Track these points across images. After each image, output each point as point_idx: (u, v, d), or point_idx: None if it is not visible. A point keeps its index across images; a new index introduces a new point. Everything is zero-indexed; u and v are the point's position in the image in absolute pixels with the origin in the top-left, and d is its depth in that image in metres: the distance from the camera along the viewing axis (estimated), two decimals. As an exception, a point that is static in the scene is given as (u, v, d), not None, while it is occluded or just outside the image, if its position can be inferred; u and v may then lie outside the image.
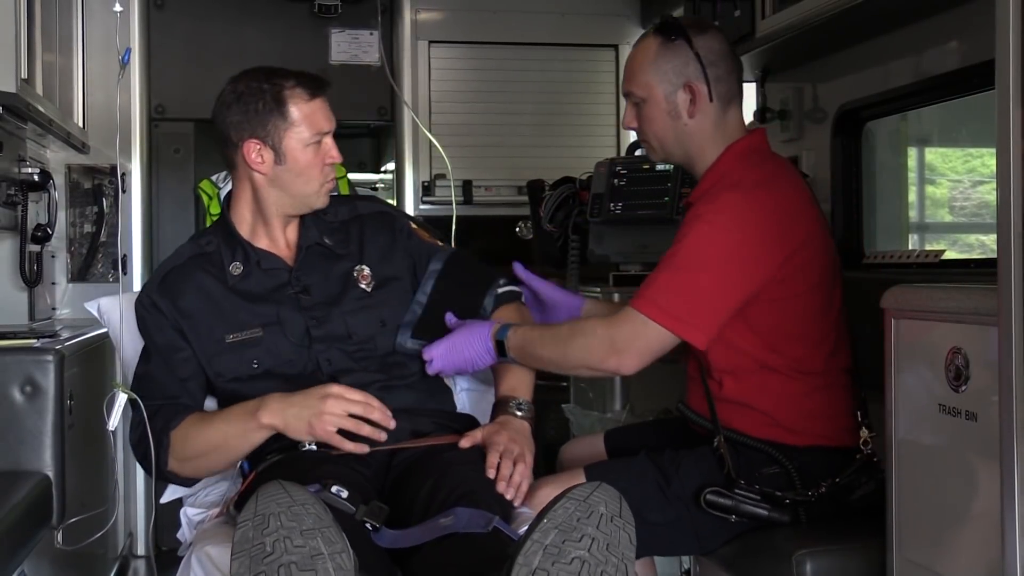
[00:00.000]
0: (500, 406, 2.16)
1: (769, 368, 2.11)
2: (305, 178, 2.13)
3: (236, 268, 2.17)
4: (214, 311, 2.14)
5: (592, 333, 2.08)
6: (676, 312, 2.01)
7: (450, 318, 2.21)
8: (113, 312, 2.41)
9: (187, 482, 2.17)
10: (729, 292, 2.03)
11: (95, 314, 2.47)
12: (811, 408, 2.12)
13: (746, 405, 2.12)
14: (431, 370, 2.17)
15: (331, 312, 2.16)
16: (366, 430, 1.98)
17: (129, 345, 2.40)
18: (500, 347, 2.15)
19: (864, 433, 2.09)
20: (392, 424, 2.00)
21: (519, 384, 2.19)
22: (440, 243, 2.37)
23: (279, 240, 2.20)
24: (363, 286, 2.21)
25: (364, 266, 2.22)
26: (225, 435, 2.03)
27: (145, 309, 2.17)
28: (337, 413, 1.96)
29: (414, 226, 2.35)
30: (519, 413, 2.13)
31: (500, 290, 2.31)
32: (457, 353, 2.16)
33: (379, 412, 1.98)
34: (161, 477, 2.12)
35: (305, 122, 2.10)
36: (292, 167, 2.11)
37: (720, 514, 2.05)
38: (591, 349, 2.07)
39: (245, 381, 2.12)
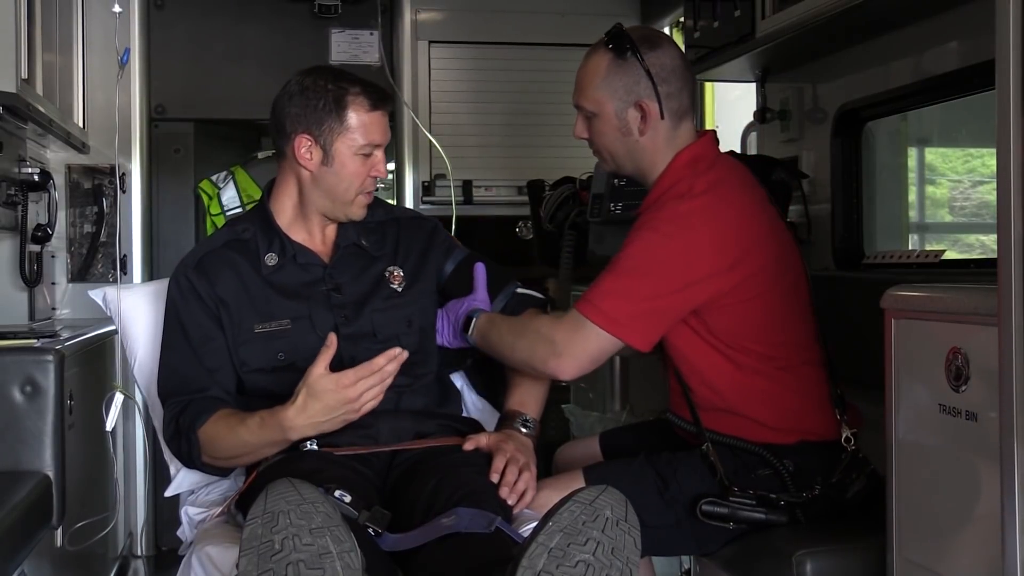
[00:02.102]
0: (507, 420, 2.16)
1: (741, 368, 2.11)
2: (346, 185, 2.14)
3: (271, 259, 2.17)
4: (246, 299, 2.15)
5: (537, 333, 2.09)
6: (615, 316, 2.02)
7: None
8: (118, 302, 2.42)
9: (224, 473, 2.18)
10: (671, 299, 2.04)
11: (99, 302, 2.48)
12: (791, 405, 2.12)
13: (729, 411, 2.12)
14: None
15: (360, 311, 2.17)
16: (388, 381, 1.94)
17: (132, 336, 2.40)
18: (467, 328, 2.19)
19: (845, 429, 2.09)
20: (404, 355, 1.94)
21: (529, 399, 2.19)
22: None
23: (316, 236, 2.22)
24: (394, 286, 2.22)
25: (397, 267, 2.24)
26: (252, 446, 2.03)
27: (181, 293, 2.16)
28: (366, 400, 1.93)
29: (449, 235, 2.39)
30: (524, 430, 2.13)
31: (519, 290, 2.32)
32: (442, 324, 2.25)
33: (394, 364, 1.92)
34: (199, 470, 2.14)
35: (360, 130, 2.11)
36: (338, 171, 2.12)
37: (718, 523, 2.06)
38: (534, 350, 2.08)
39: (268, 373, 2.13)
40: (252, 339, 2.14)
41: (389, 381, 1.94)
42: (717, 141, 2.22)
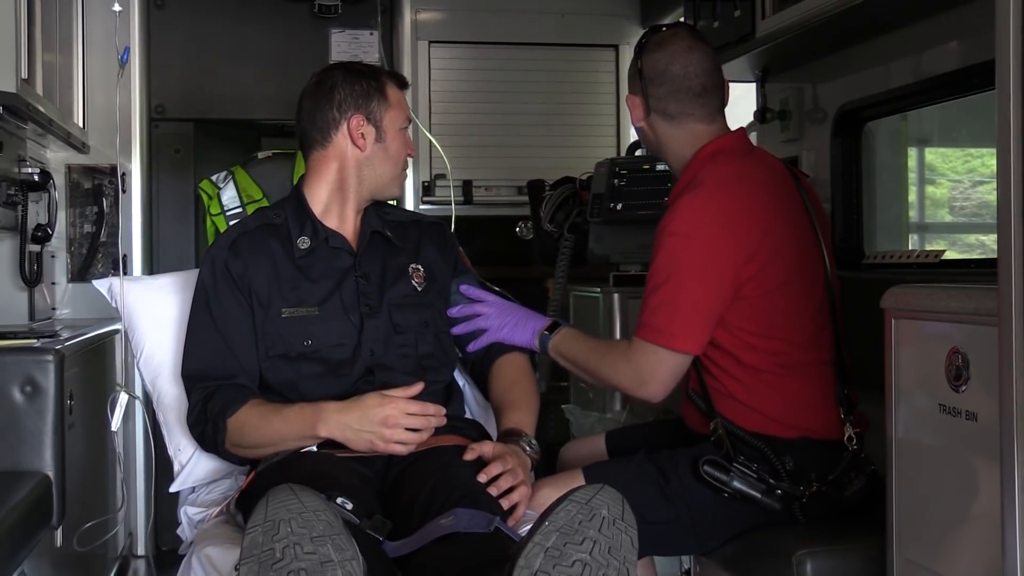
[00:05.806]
0: (511, 436, 2.14)
1: (746, 365, 2.13)
2: (393, 162, 2.24)
3: (304, 242, 2.20)
4: (276, 283, 2.17)
5: (617, 362, 2.15)
6: (669, 330, 2.07)
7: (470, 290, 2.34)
8: (124, 293, 2.43)
9: (242, 461, 2.19)
10: (710, 295, 2.08)
11: (104, 293, 2.49)
12: (794, 400, 2.13)
13: (734, 398, 2.14)
14: (481, 315, 2.31)
15: (383, 302, 2.19)
16: (424, 435, 2.02)
17: (138, 329, 2.41)
18: (543, 340, 2.28)
19: (848, 429, 2.10)
20: (444, 421, 2.05)
21: (525, 422, 2.19)
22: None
23: (348, 223, 2.25)
24: (415, 283, 2.25)
25: (419, 266, 2.28)
26: (281, 436, 2.05)
27: (215, 274, 2.18)
28: (399, 436, 2.00)
29: (460, 250, 2.44)
30: (528, 449, 2.12)
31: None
32: (509, 317, 2.30)
33: (436, 419, 2.03)
34: (219, 456, 2.16)
35: (399, 107, 2.24)
36: (389, 146, 2.23)
37: (716, 484, 2.07)
38: (621, 376, 2.16)
39: (291, 360, 2.14)
40: (278, 324, 2.15)
41: (421, 436, 2.01)
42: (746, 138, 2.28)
